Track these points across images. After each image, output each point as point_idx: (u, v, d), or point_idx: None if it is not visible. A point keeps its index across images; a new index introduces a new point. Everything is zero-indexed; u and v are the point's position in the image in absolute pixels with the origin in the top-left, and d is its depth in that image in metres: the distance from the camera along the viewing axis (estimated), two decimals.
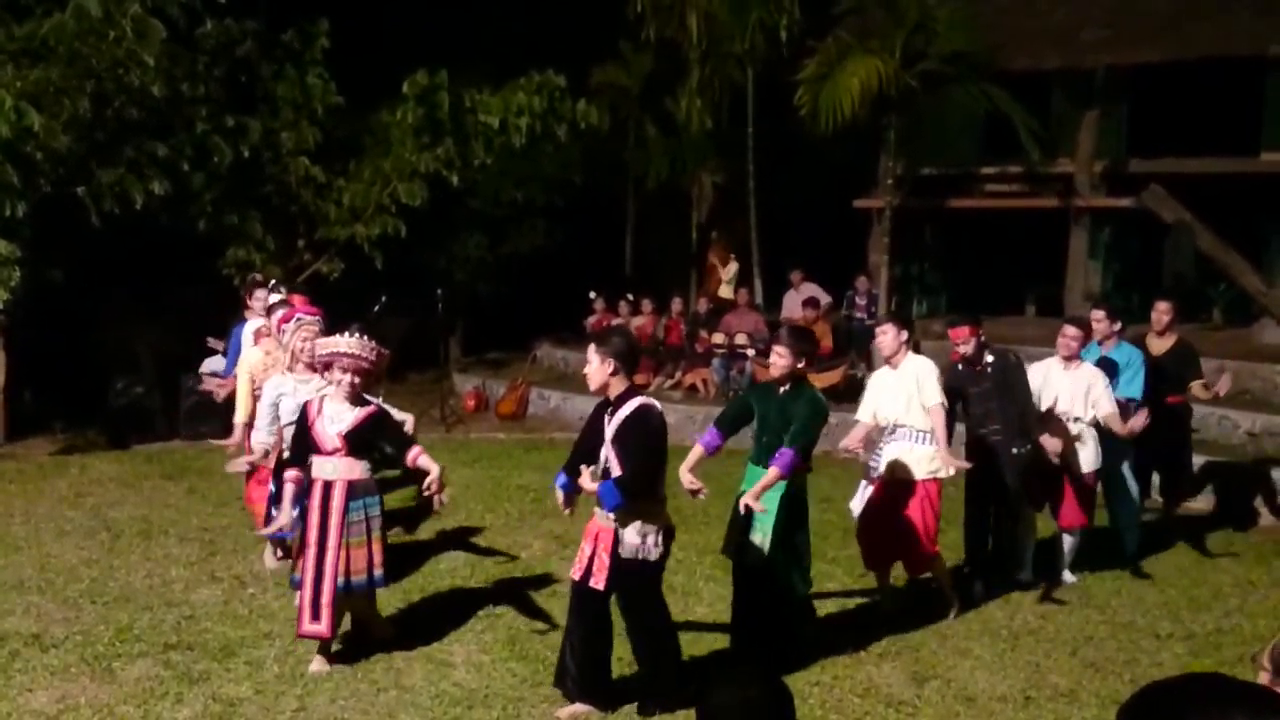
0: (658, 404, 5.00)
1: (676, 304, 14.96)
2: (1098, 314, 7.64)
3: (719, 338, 13.86)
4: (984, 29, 14.30)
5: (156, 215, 11.60)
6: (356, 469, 5.51)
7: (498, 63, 13.76)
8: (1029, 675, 5.72)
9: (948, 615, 6.45)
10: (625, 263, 18.58)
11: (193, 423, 11.51)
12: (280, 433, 6.36)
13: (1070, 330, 7.03)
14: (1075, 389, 6.88)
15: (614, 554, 4.93)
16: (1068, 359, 6.95)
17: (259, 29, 12.47)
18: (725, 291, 16.32)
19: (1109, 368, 7.30)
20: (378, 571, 5.59)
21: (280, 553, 7.10)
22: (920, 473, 6.26)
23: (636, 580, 4.98)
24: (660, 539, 4.97)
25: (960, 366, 6.78)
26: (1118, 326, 7.56)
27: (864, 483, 6.65)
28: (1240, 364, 12.07)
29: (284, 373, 6.46)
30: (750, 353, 13.53)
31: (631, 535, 4.90)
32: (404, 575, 6.90)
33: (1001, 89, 14.11)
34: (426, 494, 5.65)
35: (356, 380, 5.49)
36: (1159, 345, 7.94)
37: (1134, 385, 7.38)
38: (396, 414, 6.37)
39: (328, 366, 5.57)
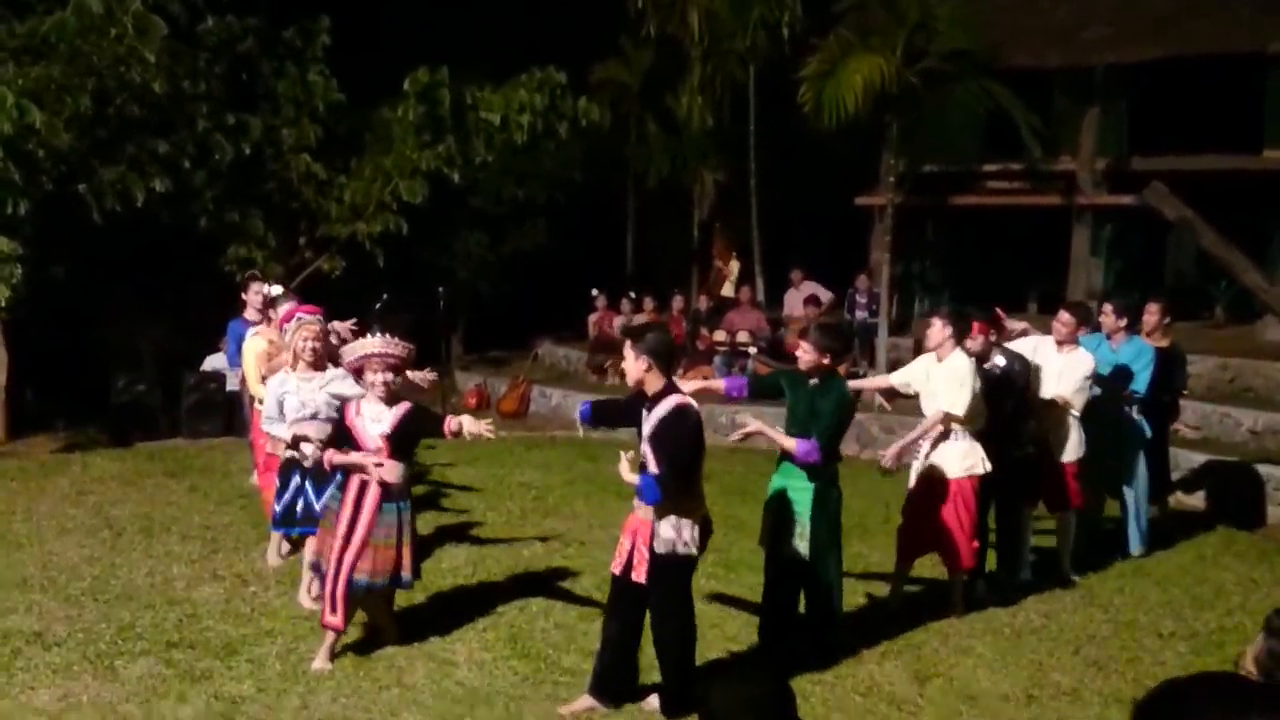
0: (694, 403, 5.00)
1: (678, 302, 14.96)
2: (1106, 309, 7.68)
3: (721, 335, 13.86)
4: (985, 27, 14.28)
5: (158, 213, 11.61)
6: (395, 471, 5.53)
7: (499, 60, 13.74)
8: (1032, 674, 5.72)
9: (950, 614, 6.45)
10: (627, 260, 18.56)
11: (194, 420, 11.52)
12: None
13: (1064, 316, 7.14)
14: (1065, 371, 6.95)
15: (650, 547, 4.95)
16: (1059, 343, 7.04)
17: (260, 26, 12.46)
18: (727, 289, 16.32)
19: (1120, 373, 7.34)
20: (405, 574, 5.63)
21: (287, 548, 7.11)
22: (956, 470, 6.30)
23: (669, 574, 4.98)
24: (696, 534, 4.98)
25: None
26: (1124, 322, 7.57)
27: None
28: (1242, 361, 12.08)
29: (287, 371, 6.48)
30: (752, 350, 13.54)
31: (666, 529, 4.92)
32: None
33: (1003, 86, 14.08)
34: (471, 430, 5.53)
35: (390, 378, 5.52)
36: None
37: (1140, 380, 7.39)
38: (414, 375, 6.41)
39: (359, 371, 5.59)
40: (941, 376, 6.28)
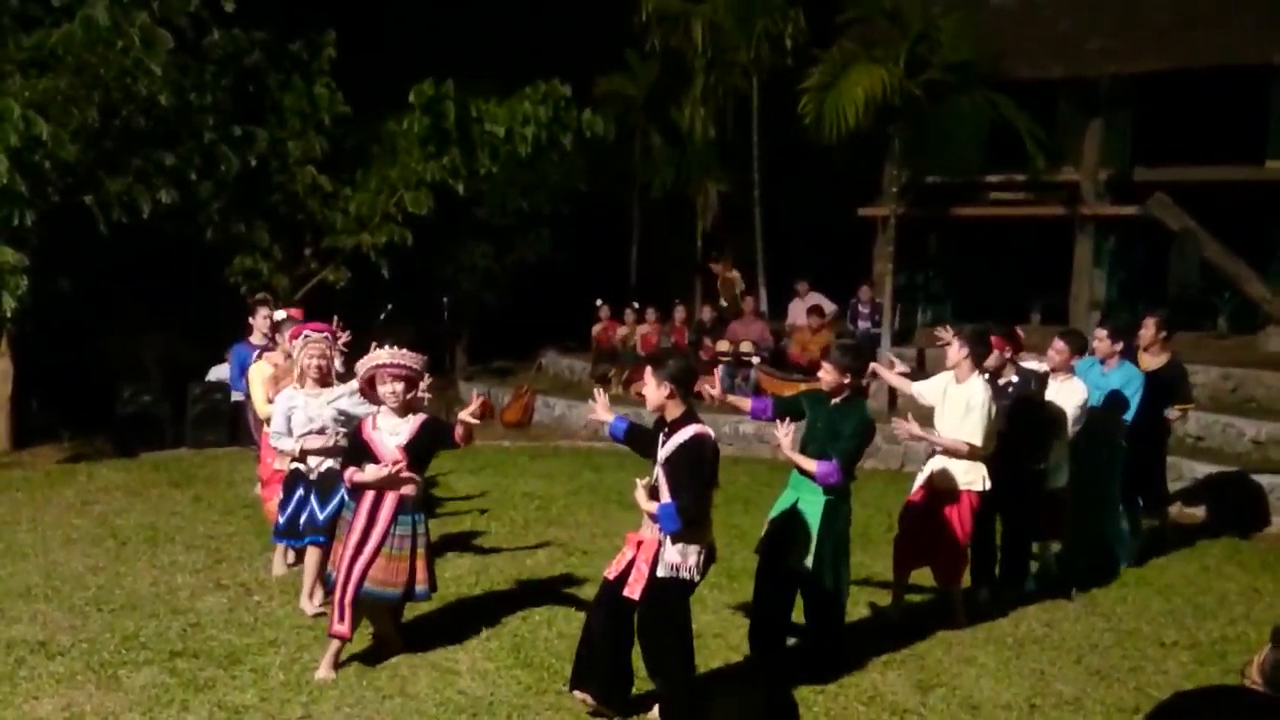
0: (712, 433, 4.97)
1: (680, 312, 14.98)
2: (1100, 334, 7.67)
3: (724, 346, 13.88)
4: (988, 38, 14.33)
5: (164, 224, 11.65)
6: (411, 484, 5.55)
7: (504, 72, 13.81)
8: (1034, 683, 5.72)
9: (953, 624, 6.46)
10: (630, 271, 18.61)
11: (199, 431, 11.56)
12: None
13: (1058, 344, 7.15)
14: (1058, 399, 6.96)
15: (653, 567, 4.91)
16: (1053, 370, 7.05)
17: (266, 39, 12.54)
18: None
19: (1111, 398, 7.34)
20: (421, 587, 5.62)
21: (292, 558, 7.13)
22: (957, 484, 6.30)
23: (667, 597, 4.93)
24: (701, 561, 4.95)
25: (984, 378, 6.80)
26: (1119, 346, 7.57)
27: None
28: (1245, 372, 12.07)
29: (295, 387, 6.52)
30: (755, 361, 13.55)
31: (673, 554, 4.89)
32: None
33: (1006, 98, 14.13)
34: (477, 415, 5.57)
35: (399, 388, 5.51)
36: (1148, 362, 7.92)
37: (1128, 406, 7.40)
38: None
39: (372, 383, 5.59)
40: (958, 403, 6.27)
